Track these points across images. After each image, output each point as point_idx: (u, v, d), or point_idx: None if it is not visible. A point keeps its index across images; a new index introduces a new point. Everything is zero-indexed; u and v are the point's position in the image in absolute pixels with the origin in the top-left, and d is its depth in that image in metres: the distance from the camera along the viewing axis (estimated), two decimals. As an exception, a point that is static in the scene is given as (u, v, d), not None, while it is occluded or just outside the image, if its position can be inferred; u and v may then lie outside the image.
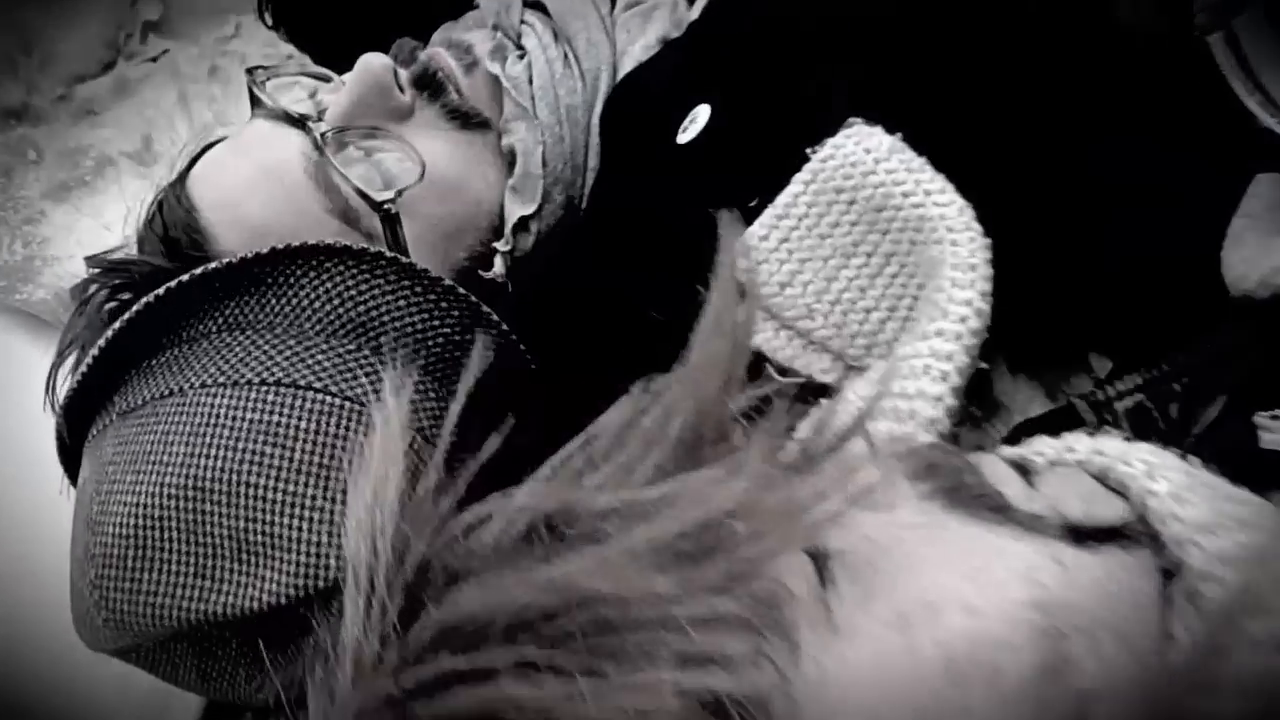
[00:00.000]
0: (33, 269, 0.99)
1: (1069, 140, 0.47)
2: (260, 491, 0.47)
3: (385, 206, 0.57)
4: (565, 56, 0.64)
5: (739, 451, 0.30)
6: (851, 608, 0.29)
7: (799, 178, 0.49)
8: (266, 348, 0.50)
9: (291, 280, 0.51)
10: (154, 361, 0.51)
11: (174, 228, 0.58)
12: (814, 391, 0.48)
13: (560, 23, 0.66)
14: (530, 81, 0.62)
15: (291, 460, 0.47)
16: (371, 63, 0.59)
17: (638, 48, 0.64)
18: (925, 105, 0.50)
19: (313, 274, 0.51)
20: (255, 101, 0.62)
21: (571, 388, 0.53)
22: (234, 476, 0.47)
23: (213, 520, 0.47)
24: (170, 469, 0.47)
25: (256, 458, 0.47)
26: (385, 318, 0.52)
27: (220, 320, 0.51)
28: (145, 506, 0.47)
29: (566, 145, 0.62)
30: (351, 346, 0.51)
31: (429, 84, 0.61)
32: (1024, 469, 0.34)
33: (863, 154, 0.48)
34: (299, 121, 0.58)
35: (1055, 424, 0.43)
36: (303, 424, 0.48)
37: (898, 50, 0.52)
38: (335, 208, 0.57)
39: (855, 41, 0.53)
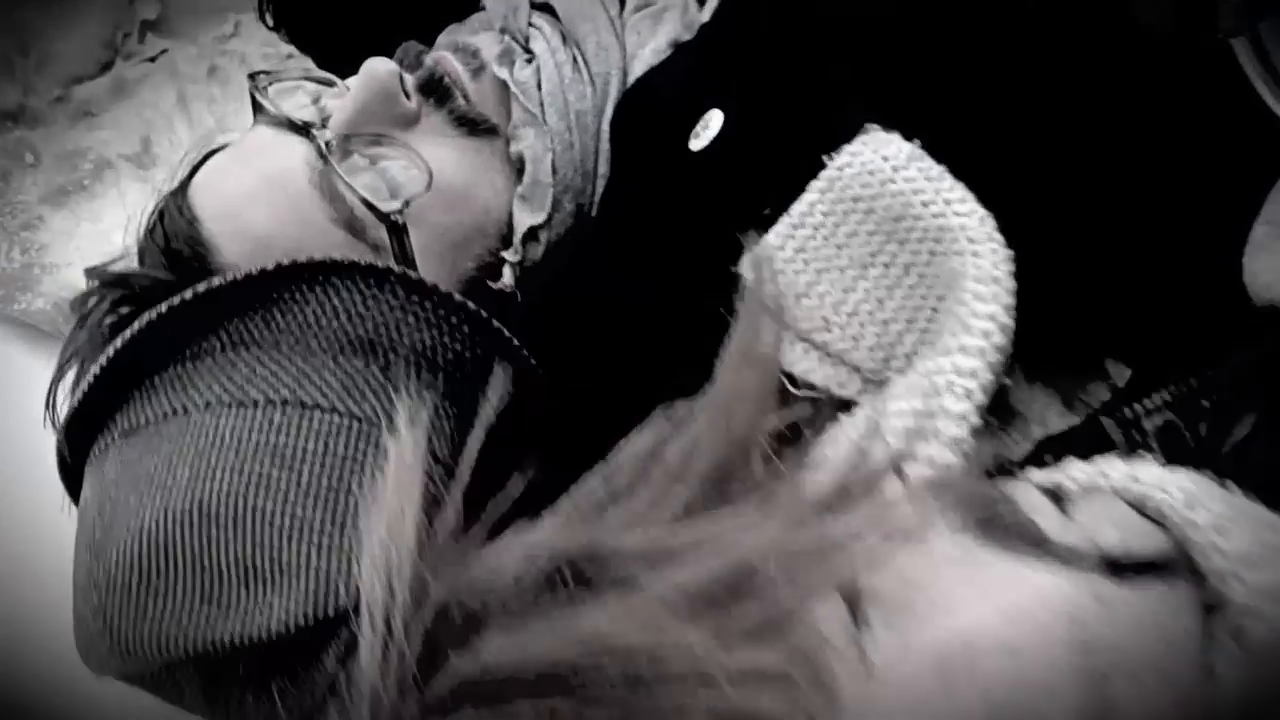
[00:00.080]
0: (31, 277, 0.98)
1: (1086, 144, 0.46)
2: (267, 516, 0.46)
3: (392, 217, 0.56)
4: (574, 60, 0.63)
5: (768, 486, 0.29)
6: (887, 651, 0.28)
7: (815, 185, 0.48)
8: (272, 365, 0.49)
9: (297, 296, 0.50)
10: (157, 379, 0.50)
11: (175, 238, 0.57)
12: (831, 405, 0.47)
13: (569, 25, 0.64)
14: (539, 86, 0.61)
15: (299, 483, 0.46)
16: (377, 68, 0.58)
17: (648, 51, 0.63)
18: (942, 110, 0.49)
19: (319, 290, 0.50)
20: (257, 107, 0.61)
21: (584, 403, 0.53)
22: (240, 501, 0.46)
23: (219, 545, 0.45)
24: (174, 493, 0.46)
25: (263, 481, 0.46)
26: (394, 335, 0.51)
27: (224, 337, 0.50)
28: (149, 532, 0.46)
29: (576, 152, 0.61)
30: (360, 364, 0.50)
31: (435, 90, 0.60)
32: (1057, 496, 0.34)
33: (880, 161, 0.47)
34: (303, 129, 0.57)
35: (1081, 442, 0.43)
36: (310, 445, 0.47)
37: (914, 54, 0.51)
38: (340, 218, 0.56)
39: (871, 44, 0.52)
